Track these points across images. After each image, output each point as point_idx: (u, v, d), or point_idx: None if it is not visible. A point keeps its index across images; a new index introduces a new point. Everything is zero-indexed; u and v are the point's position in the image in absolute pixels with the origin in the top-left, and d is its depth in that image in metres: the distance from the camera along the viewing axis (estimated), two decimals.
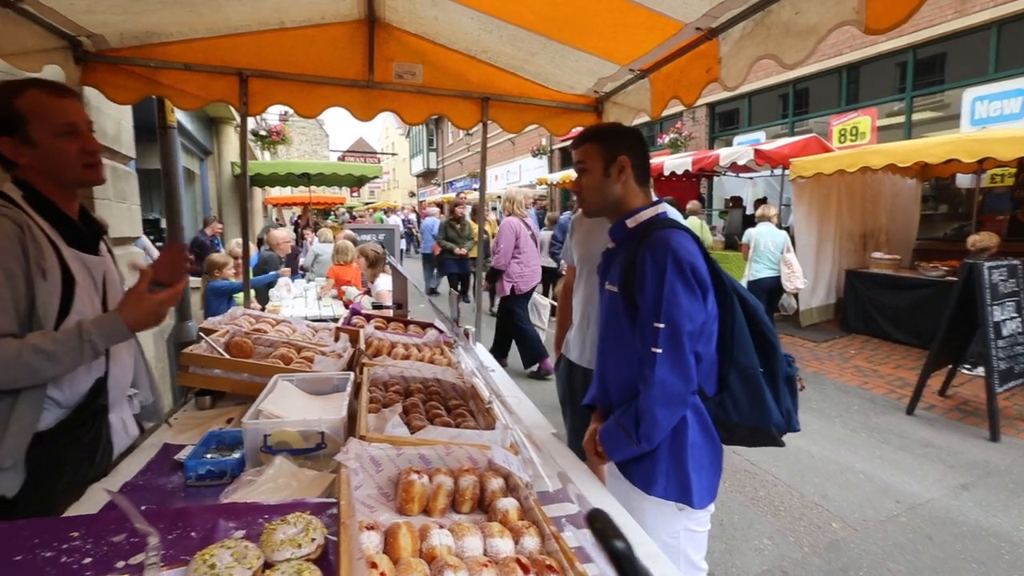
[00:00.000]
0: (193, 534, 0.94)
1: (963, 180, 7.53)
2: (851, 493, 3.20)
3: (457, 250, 7.92)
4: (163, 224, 8.34)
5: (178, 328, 3.43)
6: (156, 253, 6.59)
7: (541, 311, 5.17)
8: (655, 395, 1.30)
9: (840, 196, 7.04)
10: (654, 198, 1.58)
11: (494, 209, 14.75)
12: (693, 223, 6.89)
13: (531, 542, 0.97)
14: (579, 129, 3.03)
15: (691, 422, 1.36)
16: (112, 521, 0.95)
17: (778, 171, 7.53)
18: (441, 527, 0.96)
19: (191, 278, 3.76)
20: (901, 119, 8.33)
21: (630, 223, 1.48)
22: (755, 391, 1.38)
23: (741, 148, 7.49)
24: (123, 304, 1.33)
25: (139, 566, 0.84)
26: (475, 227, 8.06)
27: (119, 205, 3.30)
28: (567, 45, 2.33)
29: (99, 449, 1.39)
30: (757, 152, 6.88)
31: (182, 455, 1.47)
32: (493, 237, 6.70)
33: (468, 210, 9.15)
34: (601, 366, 1.57)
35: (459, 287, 8.35)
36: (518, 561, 0.89)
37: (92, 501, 1.24)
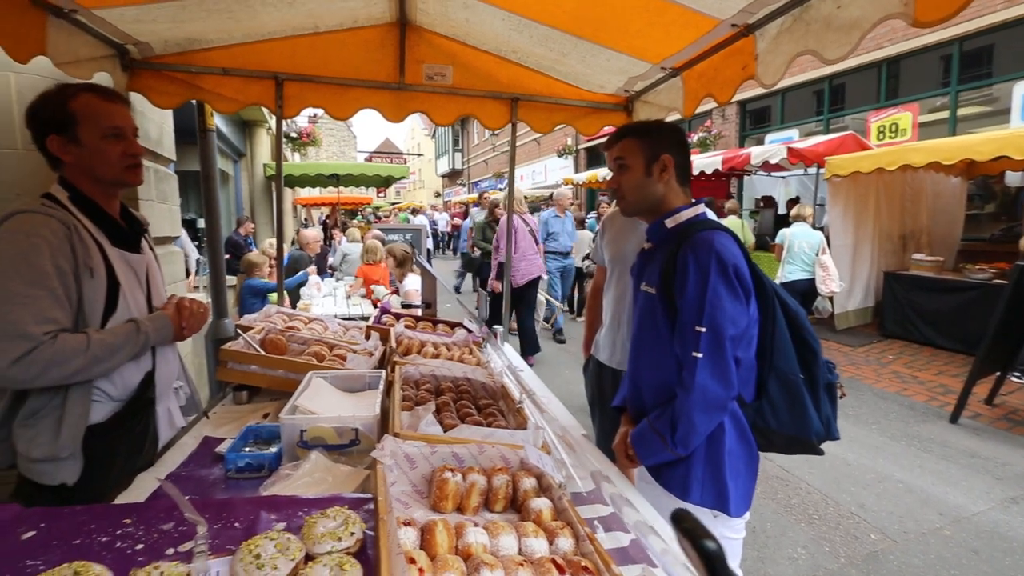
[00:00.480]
0: (237, 524, 0.97)
1: (1012, 178, 7.17)
2: (890, 503, 3.09)
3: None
4: (199, 224, 8.64)
5: (215, 325, 3.54)
6: (193, 251, 6.83)
7: (537, 307, 5.71)
8: (695, 400, 1.28)
9: (879, 195, 6.80)
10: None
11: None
12: (733, 223, 6.62)
13: (565, 543, 0.96)
14: (609, 128, 3.02)
15: (728, 428, 1.33)
16: (161, 509, 0.99)
17: (812, 170, 7.32)
18: (476, 525, 0.97)
19: (227, 276, 3.87)
20: (945, 115, 7.98)
21: (669, 223, 1.46)
22: (795, 398, 1.35)
23: (774, 146, 7.31)
24: (164, 308, 1.45)
25: (188, 553, 0.87)
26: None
27: (160, 205, 3.43)
28: (598, 44, 2.32)
29: (147, 440, 1.46)
30: (790, 150, 6.70)
31: (222, 448, 1.51)
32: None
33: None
34: (634, 368, 1.55)
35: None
36: (553, 562, 0.89)
37: (140, 489, 1.29)
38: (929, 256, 6.61)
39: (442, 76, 2.72)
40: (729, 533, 1.39)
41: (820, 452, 1.45)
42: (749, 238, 6.63)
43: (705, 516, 1.36)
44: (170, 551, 0.88)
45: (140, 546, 0.89)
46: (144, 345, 1.33)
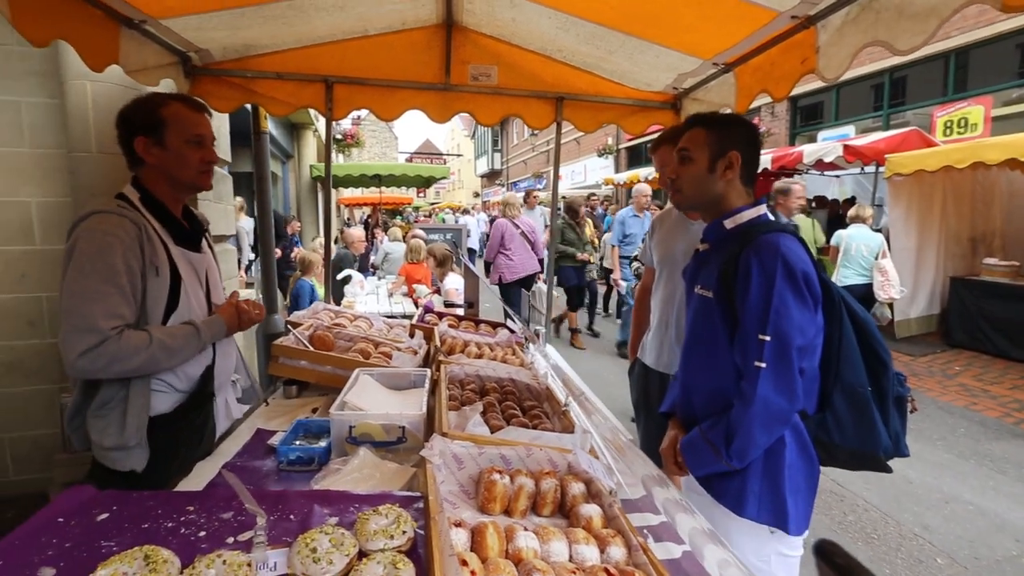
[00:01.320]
0: (292, 517, 0.99)
1: None
2: (958, 526, 2.87)
3: (579, 255, 6.56)
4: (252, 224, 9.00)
5: (266, 320, 3.68)
6: (248, 249, 7.13)
7: (540, 297, 5.81)
8: (755, 413, 1.21)
9: (945, 195, 6.37)
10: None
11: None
12: (804, 222, 6.11)
13: (617, 552, 0.94)
14: (656, 127, 2.95)
15: (789, 442, 1.26)
16: (221, 499, 1.03)
17: (870, 169, 6.94)
18: (526, 529, 0.95)
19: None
20: (1022, 107, 7.40)
21: (728, 224, 1.39)
22: (862, 412, 1.27)
23: (828, 144, 6.97)
24: (220, 310, 1.52)
25: (247, 543, 0.89)
26: (590, 229, 7.28)
27: (217, 205, 3.59)
28: (647, 41, 2.26)
29: (206, 431, 1.53)
30: (847, 148, 6.37)
31: (274, 440, 1.56)
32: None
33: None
34: (685, 372, 1.50)
35: (580, 300, 6.77)
36: (606, 571, 0.86)
37: (199, 477, 1.35)
38: (1003, 260, 6.14)
39: (487, 76, 2.73)
40: (786, 551, 1.32)
41: (888, 469, 1.35)
42: (820, 238, 6.16)
43: (761, 532, 1.30)
44: (230, 539, 0.91)
45: (202, 533, 0.93)
46: (201, 348, 1.41)
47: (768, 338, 1.20)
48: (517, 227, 6.10)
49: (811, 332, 1.23)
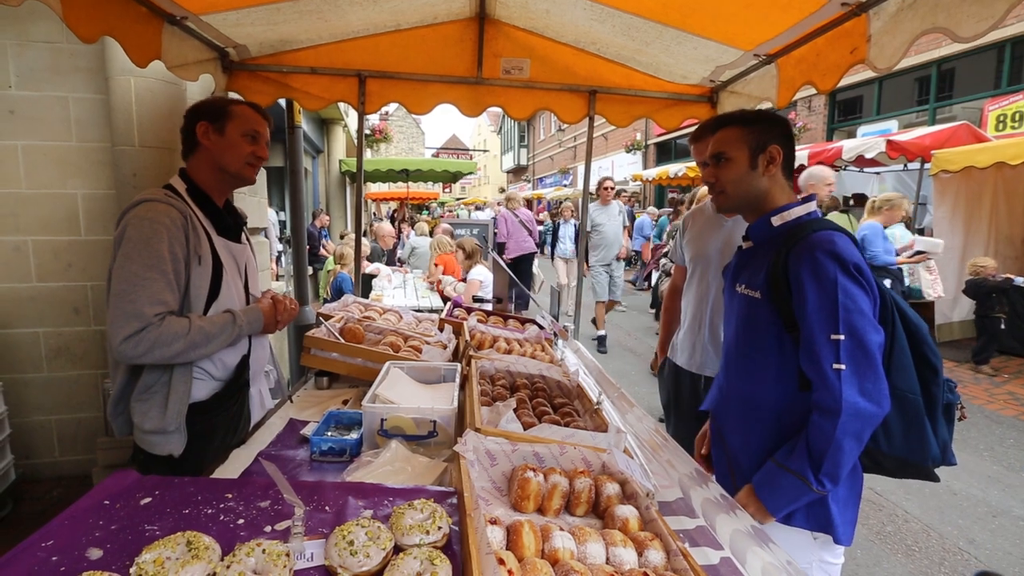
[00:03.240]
0: (327, 508, 0.99)
1: None
2: (1007, 542, 2.73)
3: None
4: (280, 216, 9.21)
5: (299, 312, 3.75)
6: (276, 242, 7.29)
7: (536, 279, 7.32)
8: (845, 423, 1.10)
9: (996, 194, 6.05)
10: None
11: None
12: (840, 218, 5.91)
13: (656, 556, 0.91)
14: (691, 122, 2.87)
15: None
16: (258, 487, 1.04)
17: (914, 165, 6.64)
18: (562, 529, 0.93)
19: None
20: None
21: (776, 221, 1.32)
22: (912, 420, 1.20)
23: (870, 139, 6.70)
24: (261, 302, 1.55)
25: (284, 532, 0.90)
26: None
27: (251, 199, 3.67)
28: (685, 31, 2.20)
29: (241, 419, 1.55)
30: (890, 143, 6.11)
31: (307, 431, 1.58)
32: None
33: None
34: (726, 375, 1.45)
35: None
36: (644, 575, 0.84)
37: (235, 464, 1.38)
38: None
39: (519, 70, 2.70)
40: (829, 558, 1.27)
41: (935, 478, 1.28)
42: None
43: (804, 538, 1.25)
44: (268, 528, 0.92)
45: (241, 520, 0.94)
46: (238, 336, 1.44)
47: (842, 337, 1.11)
48: (516, 216, 7.53)
49: (880, 329, 1.15)
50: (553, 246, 8.04)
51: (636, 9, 2.13)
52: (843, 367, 1.11)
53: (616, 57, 2.67)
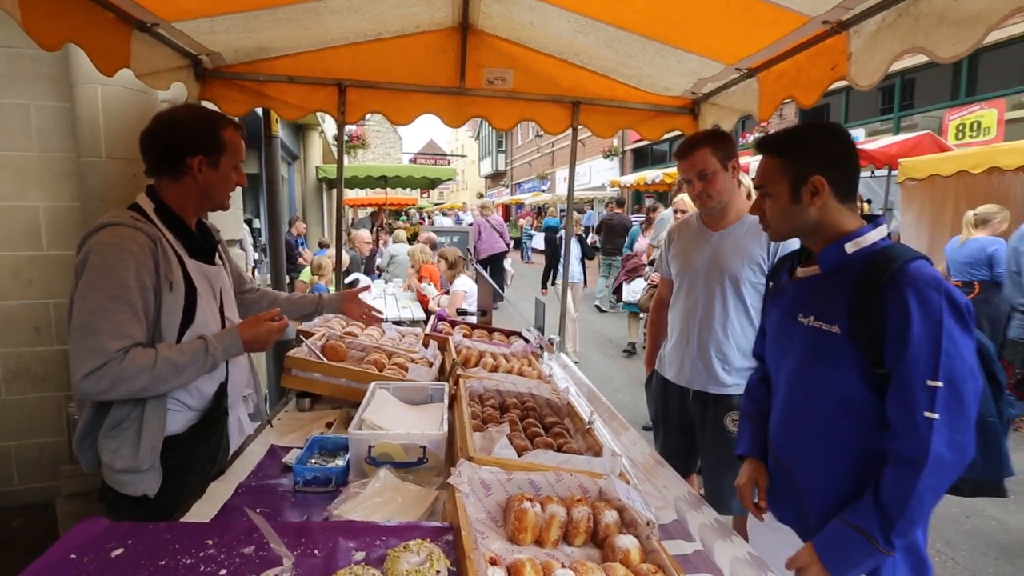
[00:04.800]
0: (316, 552, 0.94)
1: None
2: (982, 543, 2.80)
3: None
4: (255, 224, 8.98)
5: None
6: (252, 251, 7.10)
7: (507, 274, 9.00)
8: (927, 476, 1.03)
9: (959, 200, 6.27)
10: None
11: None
12: None
13: None
14: (674, 132, 2.89)
15: None
16: (241, 531, 0.98)
17: (881, 172, 6.86)
18: (563, 566, 0.90)
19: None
20: None
21: (850, 248, 1.21)
22: (991, 442, 1.16)
23: None
24: (244, 324, 1.44)
25: None
26: None
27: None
28: (669, 45, 2.21)
29: (220, 449, 1.47)
30: (859, 152, 6.30)
31: (289, 458, 1.51)
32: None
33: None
34: (785, 412, 1.35)
35: None
36: None
37: (213, 498, 1.30)
38: None
39: (503, 80, 2.68)
40: None
41: (1005, 493, 1.25)
42: None
43: None
44: None
45: (223, 571, 0.87)
46: (213, 364, 1.33)
47: (940, 384, 1.04)
48: (488, 222, 9.06)
49: (980, 378, 1.09)
50: (554, 270, 7.61)
51: (620, 22, 2.13)
52: (936, 416, 1.04)
53: (600, 69, 2.67)
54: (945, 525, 2.95)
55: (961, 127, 7.97)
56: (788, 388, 1.34)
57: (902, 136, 6.90)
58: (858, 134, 9.67)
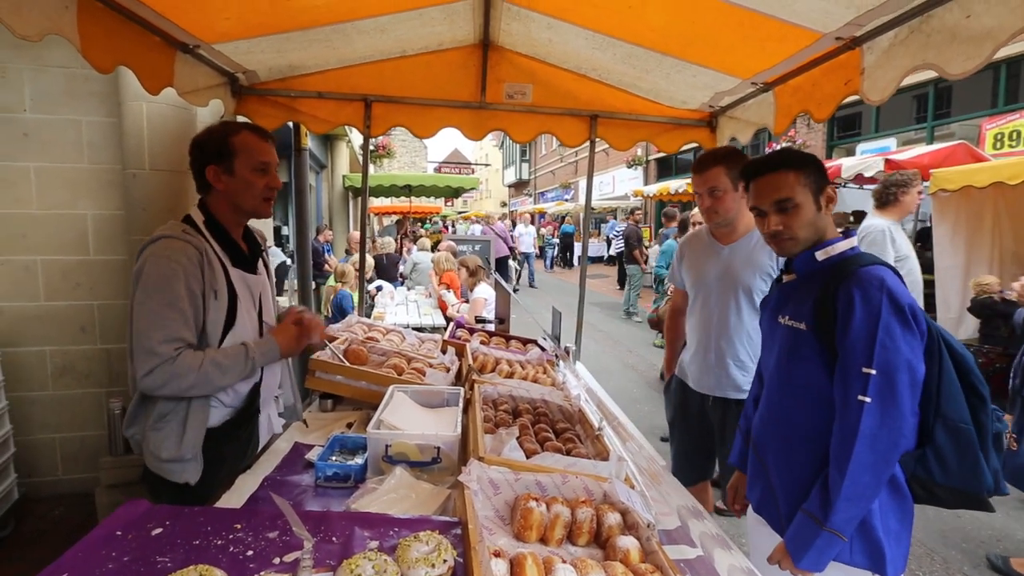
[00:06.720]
0: (334, 539, 1.01)
1: None
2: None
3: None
4: (283, 231, 9.28)
5: None
6: (282, 257, 7.34)
7: (512, 275, 10.75)
8: (859, 454, 1.14)
9: (998, 212, 6.05)
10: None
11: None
12: None
13: None
14: (691, 144, 2.92)
15: None
16: (267, 517, 1.06)
17: None
18: (564, 561, 0.95)
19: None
20: None
21: (820, 255, 1.35)
22: (965, 449, 1.20)
23: (869, 158, 6.77)
24: (278, 332, 1.55)
25: (292, 564, 0.92)
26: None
27: None
28: (684, 61, 2.26)
29: (250, 445, 1.57)
30: (889, 162, 6.16)
31: (312, 455, 1.60)
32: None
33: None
34: (768, 407, 1.46)
35: None
36: None
37: (241, 490, 1.40)
38: None
39: (522, 94, 2.76)
40: None
41: (991, 508, 1.28)
42: None
43: (854, 574, 1.25)
44: (276, 560, 0.94)
45: (250, 552, 0.95)
46: (252, 369, 1.44)
47: (874, 371, 1.15)
48: (493, 230, 11.29)
49: (921, 370, 1.17)
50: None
51: (636, 39, 2.19)
52: (868, 400, 1.15)
53: (617, 83, 2.73)
54: (975, 547, 2.86)
55: (1000, 136, 7.71)
56: (768, 384, 1.46)
57: (935, 146, 6.72)
58: (889, 144, 9.43)
